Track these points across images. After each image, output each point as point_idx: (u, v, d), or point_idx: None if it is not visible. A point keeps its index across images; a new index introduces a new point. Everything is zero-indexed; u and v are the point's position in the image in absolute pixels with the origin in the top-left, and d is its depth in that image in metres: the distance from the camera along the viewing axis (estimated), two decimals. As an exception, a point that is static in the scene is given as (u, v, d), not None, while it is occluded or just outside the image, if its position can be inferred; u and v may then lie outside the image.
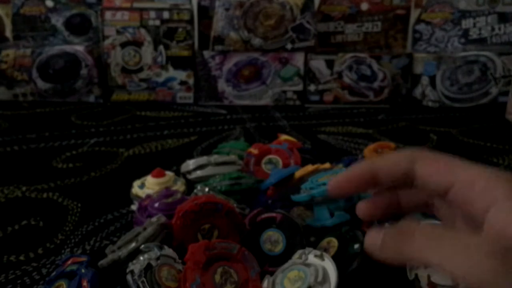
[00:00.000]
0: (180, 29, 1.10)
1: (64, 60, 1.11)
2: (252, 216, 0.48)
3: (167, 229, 0.47)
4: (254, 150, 0.66)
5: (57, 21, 1.18)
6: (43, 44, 1.16)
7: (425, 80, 1.10)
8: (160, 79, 1.12)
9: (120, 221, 0.58)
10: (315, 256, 0.41)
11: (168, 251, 0.43)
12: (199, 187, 0.57)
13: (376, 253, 0.30)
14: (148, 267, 0.41)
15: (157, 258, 0.42)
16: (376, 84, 1.11)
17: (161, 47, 1.10)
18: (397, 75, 1.11)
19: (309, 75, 1.12)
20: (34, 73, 1.11)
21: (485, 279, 0.23)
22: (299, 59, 1.11)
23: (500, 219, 0.25)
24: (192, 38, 1.11)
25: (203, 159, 0.65)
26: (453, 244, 0.26)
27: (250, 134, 0.92)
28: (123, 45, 1.10)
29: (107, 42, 1.10)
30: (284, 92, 1.13)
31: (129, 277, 0.40)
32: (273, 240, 0.46)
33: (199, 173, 0.64)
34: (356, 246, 0.43)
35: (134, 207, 0.59)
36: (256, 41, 1.09)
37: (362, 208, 0.34)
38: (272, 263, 0.45)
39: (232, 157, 0.66)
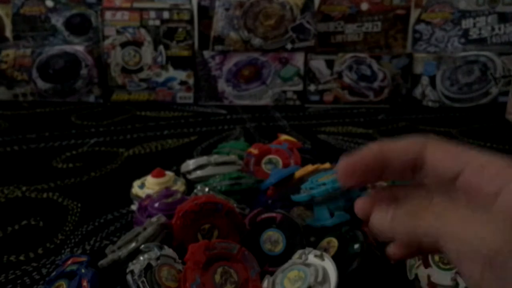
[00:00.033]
0: (180, 29, 1.10)
1: (64, 60, 1.11)
2: (252, 216, 0.48)
3: (167, 229, 0.47)
4: (254, 150, 0.66)
5: (57, 21, 1.18)
6: (43, 44, 1.16)
7: (425, 80, 1.10)
8: (160, 79, 1.12)
9: (120, 221, 0.58)
10: (315, 256, 0.41)
11: (168, 251, 0.43)
12: (199, 187, 0.57)
13: (385, 230, 0.30)
14: (148, 267, 0.41)
15: (157, 258, 0.42)
16: (376, 84, 1.11)
17: (161, 47, 1.10)
18: (397, 75, 1.11)
19: (309, 75, 1.12)
20: (34, 73, 1.11)
21: (498, 248, 0.24)
22: (299, 59, 1.11)
23: None
24: (192, 38, 1.11)
25: (203, 159, 0.65)
26: (467, 217, 0.26)
27: (250, 134, 0.92)
28: (123, 45, 1.10)
29: (107, 42, 1.10)
30: (284, 92, 1.13)
31: (129, 277, 0.40)
32: (273, 240, 0.46)
33: (199, 173, 0.64)
34: (356, 246, 0.43)
35: (134, 207, 0.59)
36: (256, 41, 1.09)
37: (360, 206, 0.34)
38: (272, 263, 0.45)
39: (232, 157, 0.66)
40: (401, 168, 0.31)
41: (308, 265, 0.41)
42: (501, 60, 1.07)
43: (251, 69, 1.12)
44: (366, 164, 0.31)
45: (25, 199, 0.64)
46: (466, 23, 1.11)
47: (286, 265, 0.42)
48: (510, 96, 1.00)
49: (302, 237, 0.46)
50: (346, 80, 1.11)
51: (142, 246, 0.43)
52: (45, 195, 0.65)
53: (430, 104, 1.10)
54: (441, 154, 0.29)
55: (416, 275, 0.43)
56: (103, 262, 0.45)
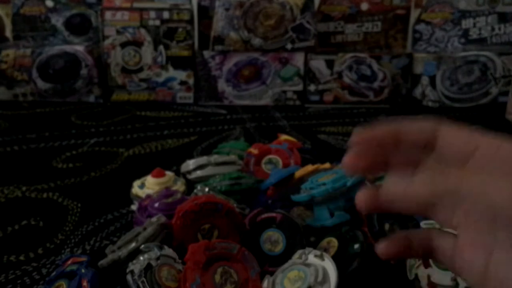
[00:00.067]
0: (180, 29, 1.10)
1: (64, 60, 1.11)
2: (252, 216, 0.48)
3: (167, 229, 0.47)
4: (254, 150, 0.66)
5: (57, 21, 1.18)
6: (43, 44, 1.16)
7: (425, 80, 1.10)
8: (160, 79, 1.12)
9: (120, 221, 0.58)
10: (315, 256, 0.41)
11: (168, 251, 0.43)
12: (199, 187, 0.57)
13: (400, 194, 0.30)
14: (148, 267, 0.41)
15: (157, 258, 0.42)
16: (376, 84, 1.11)
17: (161, 47, 1.10)
18: (397, 75, 1.11)
19: (309, 75, 1.12)
20: (34, 73, 1.11)
21: None
22: (299, 59, 1.11)
23: None
24: (192, 38, 1.11)
25: (203, 159, 0.65)
26: (488, 179, 0.27)
27: (250, 134, 0.92)
28: (123, 45, 1.10)
29: (107, 42, 1.10)
30: (284, 92, 1.13)
31: (129, 277, 0.40)
32: (273, 240, 0.46)
33: (199, 173, 0.64)
34: (356, 246, 0.43)
35: (134, 207, 0.59)
36: (256, 41, 1.09)
37: (361, 198, 0.33)
38: (272, 263, 0.45)
39: (232, 157, 0.66)
40: (412, 146, 0.30)
41: (308, 265, 0.41)
42: (501, 60, 1.07)
43: (251, 69, 1.12)
44: (381, 138, 0.30)
45: (25, 199, 0.64)
46: (466, 23, 1.11)
47: (286, 265, 0.42)
48: (510, 96, 1.00)
49: (302, 237, 0.46)
50: (346, 80, 1.11)
51: (142, 246, 0.43)
52: (45, 195, 0.65)
53: (430, 104, 1.10)
54: (454, 135, 0.29)
55: (416, 275, 0.43)
56: (103, 262, 0.45)
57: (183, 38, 1.10)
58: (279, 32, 1.09)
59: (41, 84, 1.12)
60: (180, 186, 0.61)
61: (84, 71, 1.11)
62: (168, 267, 0.42)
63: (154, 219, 0.48)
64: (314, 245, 0.46)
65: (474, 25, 1.11)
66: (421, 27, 1.13)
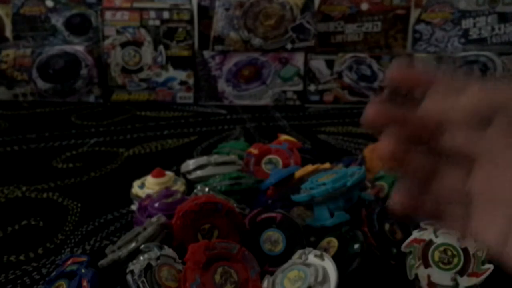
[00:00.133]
0: (180, 29, 1.10)
1: (64, 60, 1.11)
2: (252, 216, 0.48)
3: (167, 229, 0.47)
4: (254, 150, 0.66)
5: (57, 21, 1.18)
6: (43, 44, 1.16)
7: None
8: (160, 79, 1.12)
9: (120, 221, 0.58)
10: (315, 256, 0.41)
11: (168, 251, 0.43)
12: (199, 187, 0.57)
13: (443, 109, 0.27)
14: (148, 267, 0.41)
15: (157, 258, 0.42)
16: (376, 84, 1.11)
17: (161, 47, 1.10)
18: (397, 75, 1.11)
19: (309, 75, 1.12)
20: (34, 73, 1.11)
21: None
22: (299, 59, 1.11)
23: None
24: (192, 38, 1.11)
25: (203, 159, 0.65)
26: None
27: (250, 134, 0.92)
28: (123, 45, 1.10)
29: (107, 42, 1.10)
30: (284, 92, 1.13)
31: (129, 277, 0.40)
32: (273, 240, 0.46)
33: (199, 173, 0.64)
34: (356, 246, 0.43)
35: (134, 207, 0.59)
36: (256, 41, 1.09)
37: (374, 111, 0.29)
38: (272, 263, 0.45)
39: (232, 157, 0.66)
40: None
41: (308, 265, 0.41)
42: (501, 60, 1.07)
43: (251, 69, 1.12)
44: (417, 81, 0.28)
45: (25, 199, 0.64)
46: (466, 23, 1.11)
47: (286, 265, 0.42)
48: (510, 96, 1.00)
49: (302, 237, 0.46)
50: (346, 80, 1.11)
51: (142, 246, 0.43)
52: (45, 195, 0.65)
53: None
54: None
55: (416, 275, 0.43)
56: (103, 262, 0.45)
57: (183, 38, 1.10)
58: (279, 32, 1.09)
59: (41, 84, 1.12)
60: (180, 186, 0.61)
61: (84, 71, 1.11)
62: (168, 267, 0.42)
63: (154, 219, 0.48)
64: (314, 245, 0.46)
65: (474, 25, 1.11)
66: (421, 27, 1.13)
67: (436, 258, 0.42)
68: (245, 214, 0.52)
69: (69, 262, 0.45)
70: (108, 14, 1.09)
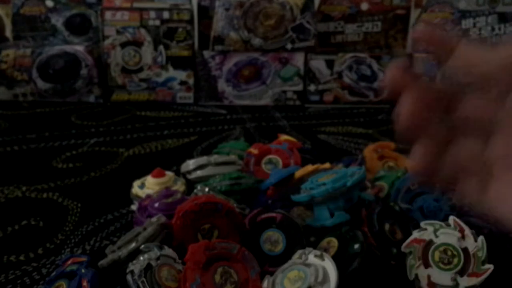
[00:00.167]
0: (180, 29, 1.10)
1: (64, 60, 1.11)
2: (252, 216, 0.48)
3: (167, 229, 0.47)
4: (254, 150, 0.66)
5: (57, 21, 1.18)
6: (43, 44, 1.16)
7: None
8: (160, 79, 1.12)
9: (120, 221, 0.58)
10: (315, 256, 0.41)
11: (168, 251, 0.43)
12: (199, 187, 0.57)
13: (478, 60, 0.26)
14: (148, 267, 0.41)
15: (157, 258, 0.42)
16: (376, 84, 1.11)
17: (161, 47, 1.10)
18: (397, 75, 1.11)
19: (309, 75, 1.12)
20: (34, 73, 1.11)
21: None
22: (299, 59, 1.11)
23: None
24: (192, 38, 1.11)
25: (203, 159, 0.65)
26: None
27: (250, 134, 0.92)
28: (123, 45, 1.10)
29: (107, 42, 1.10)
30: (284, 92, 1.13)
31: (129, 277, 0.40)
32: (273, 240, 0.46)
33: (199, 173, 0.64)
34: (356, 246, 0.43)
35: (134, 207, 0.59)
36: (256, 41, 1.09)
37: (395, 72, 0.29)
38: (272, 263, 0.45)
39: (232, 157, 0.66)
40: None
41: (308, 265, 0.41)
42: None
43: (251, 69, 1.12)
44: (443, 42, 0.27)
45: (25, 199, 0.64)
46: (466, 23, 1.11)
47: (286, 265, 0.42)
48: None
49: (302, 237, 0.46)
50: (346, 80, 1.11)
51: (142, 246, 0.43)
52: (45, 195, 0.65)
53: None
54: None
55: (416, 275, 0.43)
56: (103, 262, 0.45)
57: (183, 38, 1.10)
58: (279, 32, 1.09)
59: (41, 84, 1.12)
60: (180, 186, 0.61)
61: (84, 71, 1.11)
62: (168, 267, 0.42)
63: (154, 219, 0.48)
64: (314, 245, 0.46)
65: (474, 25, 1.11)
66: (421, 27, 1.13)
67: (436, 258, 0.42)
68: (245, 214, 0.52)
69: (69, 262, 0.45)
70: (108, 14, 1.09)
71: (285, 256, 0.44)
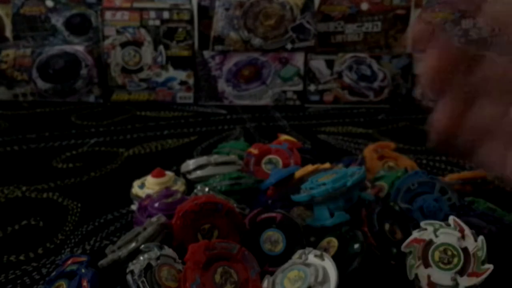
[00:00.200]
0: (180, 29, 1.10)
1: (64, 60, 1.11)
2: (252, 216, 0.48)
3: (167, 229, 0.47)
4: (254, 150, 0.66)
5: (57, 21, 1.18)
6: (43, 44, 1.16)
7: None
8: (160, 79, 1.12)
9: (120, 221, 0.58)
10: (315, 256, 0.41)
11: (168, 251, 0.43)
12: (199, 187, 0.57)
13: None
14: (148, 267, 0.41)
15: (157, 258, 0.41)
16: (376, 84, 1.11)
17: (161, 47, 1.10)
18: (397, 75, 1.11)
19: (309, 75, 1.12)
20: (34, 73, 1.11)
21: None
22: (299, 59, 1.11)
23: None
24: (192, 38, 1.11)
25: (203, 159, 0.65)
26: None
27: (250, 134, 0.92)
28: (123, 45, 1.10)
29: (107, 42, 1.10)
30: (284, 92, 1.13)
31: (129, 277, 0.40)
32: (273, 240, 0.46)
33: (199, 173, 0.64)
34: (356, 246, 0.43)
35: (134, 207, 0.59)
36: (256, 41, 1.09)
37: (421, 27, 0.29)
38: (272, 263, 0.45)
39: (232, 157, 0.66)
40: None
41: (308, 265, 0.41)
42: (501, 60, 1.07)
43: (251, 69, 1.12)
44: None
45: (25, 199, 0.64)
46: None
47: (286, 265, 0.42)
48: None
49: (302, 237, 0.46)
50: (346, 80, 1.11)
51: (142, 246, 0.43)
52: (45, 195, 0.65)
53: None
54: None
55: (416, 275, 0.43)
56: (103, 262, 0.45)
57: (183, 38, 1.10)
58: (279, 32, 1.09)
59: (41, 84, 1.12)
60: (180, 186, 0.61)
61: (84, 71, 1.11)
62: (168, 267, 0.42)
63: (154, 219, 0.48)
64: (314, 245, 0.46)
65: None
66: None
67: (436, 258, 0.42)
68: (245, 214, 0.52)
69: (69, 262, 0.45)
70: (108, 14, 1.09)
71: (285, 256, 0.44)
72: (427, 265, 0.42)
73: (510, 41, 0.26)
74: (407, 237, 0.45)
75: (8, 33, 1.19)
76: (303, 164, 0.62)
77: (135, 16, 1.09)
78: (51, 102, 1.12)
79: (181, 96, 1.13)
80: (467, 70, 0.28)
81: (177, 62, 1.11)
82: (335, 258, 0.41)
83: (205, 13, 1.14)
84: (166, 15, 1.09)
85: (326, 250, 0.44)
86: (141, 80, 1.12)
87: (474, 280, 0.41)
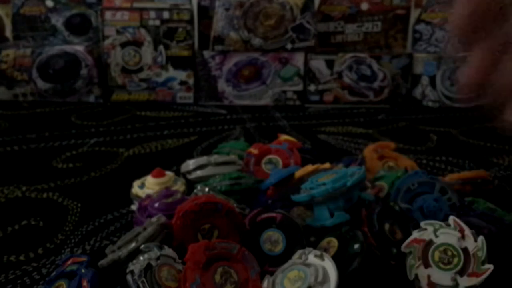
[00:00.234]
0: (180, 29, 1.10)
1: (64, 60, 1.11)
2: (252, 216, 0.48)
3: (167, 229, 0.47)
4: (254, 150, 0.66)
5: (57, 21, 1.18)
6: (43, 44, 1.16)
7: (425, 80, 1.10)
8: (160, 79, 1.12)
9: (120, 221, 0.58)
10: (315, 256, 0.41)
11: (168, 251, 0.43)
12: (199, 187, 0.57)
13: None
14: (148, 267, 0.41)
15: (157, 258, 0.41)
16: (376, 84, 1.11)
17: (161, 47, 1.10)
18: (397, 75, 1.11)
19: (309, 75, 1.12)
20: (34, 73, 1.11)
21: None
22: (299, 59, 1.11)
23: None
24: (192, 38, 1.11)
25: (203, 159, 0.65)
26: None
27: (250, 134, 0.92)
28: (123, 45, 1.10)
29: (107, 42, 1.10)
30: (284, 92, 1.13)
31: (129, 277, 0.40)
32: (273, 240, 0.46)
33: (199, 173, 0.64)
34: (356, 246, 0.43)
35: (134, 207, 0.59)
36: (256, 41, 1.09)
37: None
38: (272, 263, 0.45)
39: (232, 157, 0.66)
40: None
41: (308, 265, 0.41)
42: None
43: (251, 69, 1.12)
44: None
45: (25, 199, 0.64)
46: None
47: (286, 265, 0.42)
48: (510, 96, 1.00)
49: (302, 237, 0.46)
50: (346, 80, 1.11)
51: (142, 246, 0.43)
52: (45, 195, 0.65)
53: (430, 104, 1.10)
54: None
55: (416, 275, 0.43)
56: (103, 262, 0.45)
57: (183, 38, 1.10)
58: (279, 32, 1.09)
59: (41, 84, 1.12)
60: (180, 186, 0.61)
61: (84, 71, 1.11)
62: (168, 267, 0.42)
63: (154, 219, 0.48)
64: (314, 245, 0.46)
65: None
66: (421, 27, 1.13)
67: (436, 258, 0.42)
68: (245, 214, 0.52)
69: (69, 262, 0.45)
70: (108, 14, 1.09)
71: (285, 256, 0.44)
72: (427, 265, 0.42)
73: None
74: (407, 237, 0.45)
75: (8, 33, 1.19)
76: (303, 164, 0.62)
77: (135, 16, 1.09)
78: (51, 102, 1.12)
79: (181, 96, 1.13)
80: (501, 17, 0.26)
81: (177, 62, 1.11)
82: (335, 258, 0.41)
83: (205, 13, 1.14)
84: (166, 15, 1.09)
85: (326, 250, 0.44)
86: (141, 80, 1.12)
87: (474, 280, 0.41)
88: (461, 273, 0.41)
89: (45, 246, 0.52)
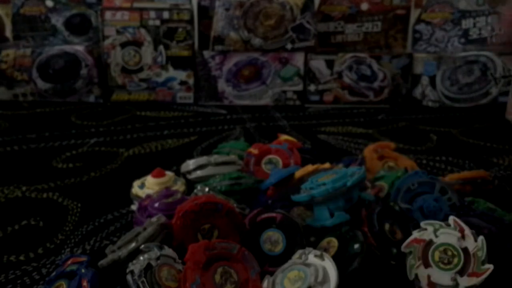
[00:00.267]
0: (180, 29, 1.10)
1: (64, 60, 1.11)
2: (252, 216, 0.48)
3: (167, 229, 0.47)
4: (254, 150, 0.66)
5: (57, 21, 1.18)
6: (43, 44, 1.16)
7: (425, 80, 1.10)
8: (160, 79, 1.12)
9: (120, 221, 0.58)
10: (315, 256, 0.41)
11: (168, 251, 0.43)
12: (199, 187, 0.57)
13: None
14: (148, 267, 0.41)
15: (157, 258, 0.42)
16: (376, 84, 1.11)
17: (161, 47, 1.10)
18: (397, 75, 1.11)
19: (309, 75, 1.12)
20: (34, 73, 1.11)
21: None
22: (299, 59, 1.11)
23: None
24: (192, 38, 1.11)
25: (203, 159, 0.65)
26: None
27: (250, 134, 0.92)
28: (123, 45, 1.10)
29: (107, 42, 1.10)
30: (284, 92, 1.13)
31: (129, 277, 0.40)
32: (273, 240, 0.46)
33: (199, 173, 0.64)
34: (356, 246, 0.43)
35: (134, 207, 0.59)
36: (256, 41, 1.09)
37: None
38: (272, 263, 0.45)
39: (232, 157, 0.66)
40: None
41: (308, 265, 0.41)
42: (501, 60, 1.07)
43: (251, 69, 1.12)
44: None
45: (25, 199, 0.64)
46: (466, 23, 1.11)
47: (286, 265, 0.42)
48: (510, 96, 1.00)
49: (302, 237, 0.46)
50: (346, 80, 1.11)
51: (142, 246, 0.43)
52: (45, 195, 0.65)
53: (430, 104, 1.10)
54: None
55: (416, 275, 0.43)
56: (103, 262, 0.45)
57: (183, 38, 1.10)
58: (279, 32, 1.09)
59: (41, 84, 1.12)
60: (180, 186, 0.61)
61: (84, 71, 1.11)
62: (168, 267, 0.42)
63: (154, 219, 0.48)
64: (314, 245, 0.46)
65: (474, 25, 1.11)
66: (421, 27, 1.13)
67: (436, 258, 0.42)
68: (245, 214, 0.52)
69: (69, 262, 0.45)
70: (108, 14, 1.09)
71: (285, 256, 0.44)
72: (427, 265, 0.42)
73: None
74: (407, 237, 0.45)
75: (8, 33, 1.19)
76: (303, 164, 0.62)
77: (135, 16, 1.09)
78: (51, 102, 1.12)
79: (181, 96, 1.13)
80: None
81: (177, 62, 1.11)
82: (335, 258, 0.41)
83: (205, 13, 1.14)
84: (166, 15, 1.09)
85: (326, 250, 0.44)
86: (141, 80, 1.12)
87: (474, 280, 0.41)
88: (461, 273, 0.41)
89: (45, 246, 0.53)
